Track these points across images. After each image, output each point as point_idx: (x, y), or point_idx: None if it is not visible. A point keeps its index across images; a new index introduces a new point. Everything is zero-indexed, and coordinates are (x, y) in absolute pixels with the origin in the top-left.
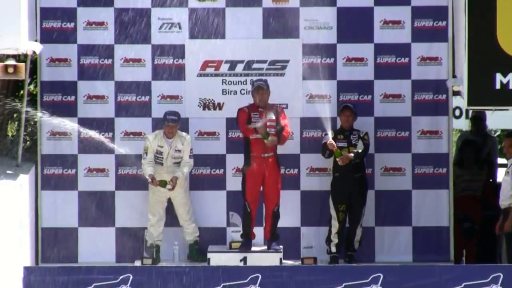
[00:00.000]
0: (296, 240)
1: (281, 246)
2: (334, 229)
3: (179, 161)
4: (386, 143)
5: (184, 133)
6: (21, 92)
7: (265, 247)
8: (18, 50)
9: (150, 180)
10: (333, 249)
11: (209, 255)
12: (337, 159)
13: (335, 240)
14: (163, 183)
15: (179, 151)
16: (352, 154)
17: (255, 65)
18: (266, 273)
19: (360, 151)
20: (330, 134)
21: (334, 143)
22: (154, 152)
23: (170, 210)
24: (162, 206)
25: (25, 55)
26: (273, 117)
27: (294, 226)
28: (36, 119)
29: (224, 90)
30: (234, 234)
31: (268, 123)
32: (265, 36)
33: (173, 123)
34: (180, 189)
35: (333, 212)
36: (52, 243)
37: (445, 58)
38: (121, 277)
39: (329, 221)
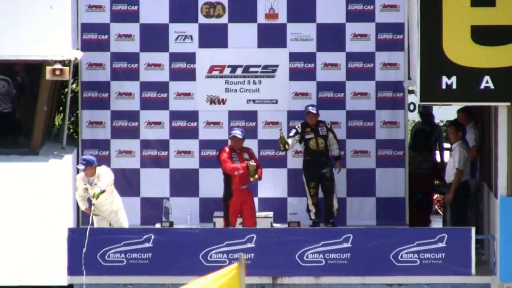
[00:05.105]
0: (284, 208)
1: (272, 213)
2: (310, 202)
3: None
4: (355, 131)
5: (101, 168)
6: (66, 90)
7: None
8: (64, 57)
9: (89, 213)
10: (313, 217)
11: (214, 219)
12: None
13: (313, 209)
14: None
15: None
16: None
17: (251, 69)
18: (260, 234)
19: (336, 154)
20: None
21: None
22: (83, 190)
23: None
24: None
25: (69, 61)
26: (248, 157)
27: (282, 197)
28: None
29: (227, 89)
30: None
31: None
32: (260, 45)
33: (86, 167)
34: (107, 205)
35: (306, 188)
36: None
37: (402, 64)
38: (144, 236)
39: (306, 195)
